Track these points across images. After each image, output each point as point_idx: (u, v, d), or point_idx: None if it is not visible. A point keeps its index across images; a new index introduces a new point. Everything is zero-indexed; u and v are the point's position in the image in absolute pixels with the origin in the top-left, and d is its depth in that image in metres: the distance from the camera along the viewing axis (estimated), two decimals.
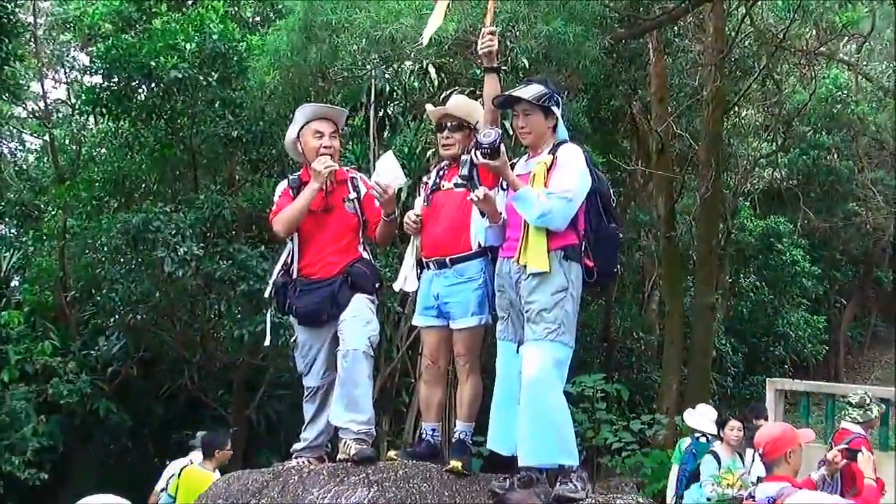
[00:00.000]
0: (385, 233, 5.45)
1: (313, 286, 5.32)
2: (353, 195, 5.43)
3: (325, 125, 5.44)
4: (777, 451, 5.62)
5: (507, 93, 4.97)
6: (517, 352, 4.84)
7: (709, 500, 8.94)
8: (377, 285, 5.42)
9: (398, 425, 13.78)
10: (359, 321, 5.19)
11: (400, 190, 5.40)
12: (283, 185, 5.58)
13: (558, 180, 4.66)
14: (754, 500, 5.73)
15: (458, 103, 5.48)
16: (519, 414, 4.68)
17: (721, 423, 9.95)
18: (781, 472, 5.63)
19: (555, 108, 4.85)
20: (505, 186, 4.93)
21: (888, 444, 11.19)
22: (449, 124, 5.36)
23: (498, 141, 4.62)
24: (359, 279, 5.31)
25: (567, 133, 4.97)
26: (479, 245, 5.11)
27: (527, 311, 4.70)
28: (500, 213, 4.95)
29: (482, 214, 4.98)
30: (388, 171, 5.26)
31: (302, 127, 5.47)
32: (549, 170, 4.72)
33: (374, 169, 5.60)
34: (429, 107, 5.73)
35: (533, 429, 4.60)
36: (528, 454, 4.63)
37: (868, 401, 8.43)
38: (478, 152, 4.66)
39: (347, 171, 5.63)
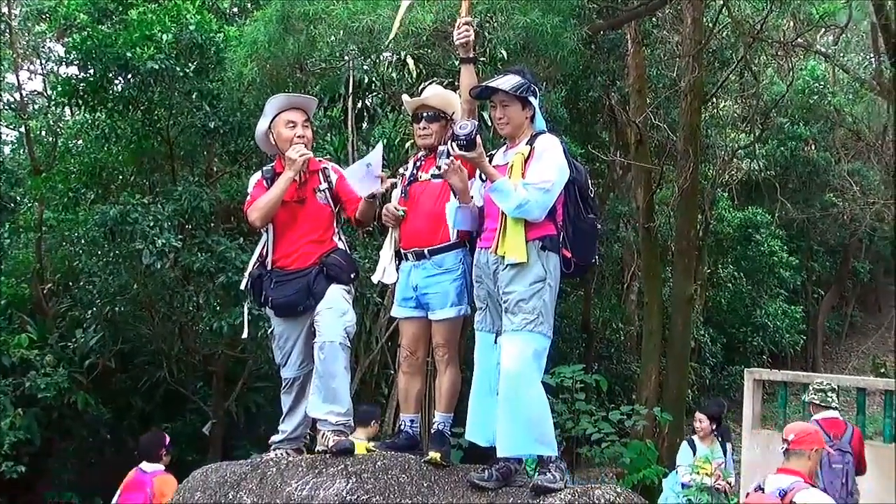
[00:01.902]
0: (366, 212, 5.42)
1: (288, 277, 5.31)
2: (324, 186, 5.43)
3: (297, 114, 5.44)
4: (804, 444, 5.72)
5: (483, 83, 4.97)
6: (495, 342, 4.85)
7: (685, 486, 9.00)
8: (353, 275, 5.41)
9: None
10: (335, 312, 5.18)
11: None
12: (256, 176, 5.57)
13: (536, 171, 4.66)
14: (762, 492, 5.75)
15: (435, 93, 5.48)
16: (497, 405, 4.69)
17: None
18: (796, 467, 5.70)
19: (532, 99, 4.85)
20: (483, 177, 4.93)
21: (864, 433, 11.28)
22: (425, 114, 5.36)
23: (474, 133, 4.61)
24: (334, 270, 5.30)
25: (545, 123, 4.97)
26: (456, 233, 5.12)
27: (505, 302, 4.70)
28: (471, 195, 4.96)
29: (454, 193, 4.97)
30: (377, 163, 5.27)
31: (273, 118, 5.46)
32: (526, 160, 4.73)
33: (353, 161, 5.61)
34: (405, 97, 5.72)
35: (511, 420, 4.60)
36: (507, 445, 4.64)
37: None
38: (454, 144, 4.65)
39: (320, 161, 5.61)
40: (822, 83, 21.37)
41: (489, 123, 6.06)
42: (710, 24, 16.42)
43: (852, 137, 24.34)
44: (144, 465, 7.92)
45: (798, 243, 27.89)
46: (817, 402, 8.56)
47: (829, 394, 8.54)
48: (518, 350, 4.59)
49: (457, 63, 5.53)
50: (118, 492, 7.96)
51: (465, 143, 4.60)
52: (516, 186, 4.58)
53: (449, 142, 4.76)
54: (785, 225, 26.35)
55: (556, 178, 4.65)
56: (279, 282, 5.32)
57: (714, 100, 19.52)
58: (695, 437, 9.69)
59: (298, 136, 5.37)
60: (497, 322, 4.86)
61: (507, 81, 4.82)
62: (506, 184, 4.60)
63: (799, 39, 19.67)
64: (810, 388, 8.89)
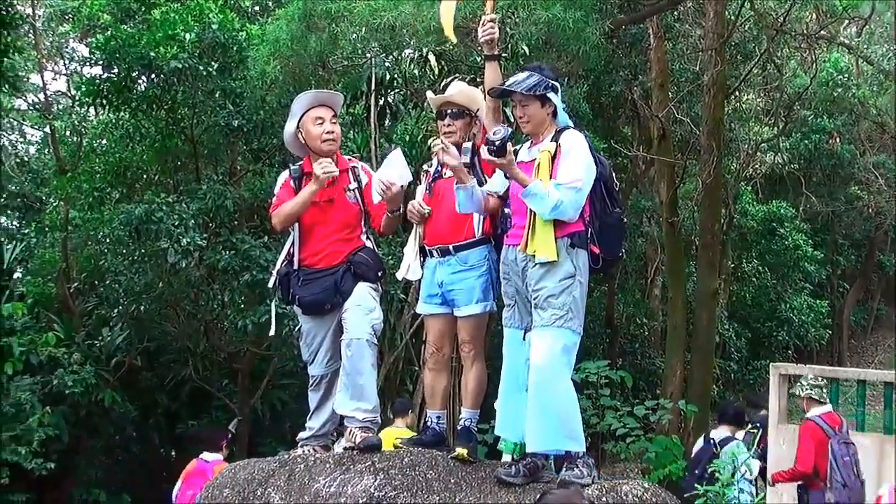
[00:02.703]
0: (389, 225, 5.45)
1: (316, 275, 5.33)
2: (353, 185, 5.44)
3: (324, 111, 5.43)
4: None
5: (500, 85, 4.97)
6: (524, 339, 4.86)
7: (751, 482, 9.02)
8: (380, 274, 5.43)
9: None
10: (362, 310, 5.20)
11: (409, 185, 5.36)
12: (284, 175, 5.58)
13: (565, 170, 4.66)
14: None
15: (459, 90, 5.48)
16: (527, 401, 4.69)
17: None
18: None
19: (551, 96, 4.83)
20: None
21: (891, 428, 11.20)
22: (450, 111, 5.35)
23: (505, 139, 4.60)
24: (361, 268, 5.32)
25: (567, 118, 4.95)
26: (481, 230, 5.14)
27: (534, 298, 4.71)
28: (471, 177, 4.99)
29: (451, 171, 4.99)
30: (395, 169, 5.23)
31: (301, 117, 5.46)
32: (553, 158, 4.72)
33: (375, 158, 5.62)
34: (429, 94, 5.72)
35: (541, 415, 4.61)
36: (535, 441, 4.65)
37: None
38: (486, 148, 4.65)
39: (349, 160, 5.62)
40: (845, 75, 21.20)
41: (512, 120, 6.05)
42: (733, 18, 16.31)
43: (877, 130, 24.15)
44: (205, 455, 8.51)
45: (823, 237, 27.71)
46: (815, 397, 8.59)
47: (816, 390, 8.60)
48: (547, 346, 4.60)
49: (479, 59, 5.53)
50: (180, 480, 8.47)
51: (495, 148, 4.60)
52: (549, 189, 4.59)
53: (484, 145, 4.73)
54: (809, 218, 26.17)
55: (585, 176, 4.66)
56: (306, 280, 5.34)
57: (737, 93, 19.39)
58: (738, 437, 9.64)
59: (327, 132, 5.38)
60: (525, 318, 4.87)
61: (523, 81, 4.81)
62: (538, 187, 4.60)
63: (822, 32, 19.51)
64: (804, 383, 8.90)
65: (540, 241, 4.63)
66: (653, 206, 20.25)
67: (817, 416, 8.37)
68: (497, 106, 5.15)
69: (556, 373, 4.61)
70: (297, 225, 5.40)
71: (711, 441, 9.57)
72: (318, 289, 5.30)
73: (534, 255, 4.66)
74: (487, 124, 5.17)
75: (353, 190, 5.42)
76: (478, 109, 5.30)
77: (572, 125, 4.92)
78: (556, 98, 4.84)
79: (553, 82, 4.85)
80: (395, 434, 8.05)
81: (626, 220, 4.98)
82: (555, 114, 4.88)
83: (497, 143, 4.60)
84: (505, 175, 4.93)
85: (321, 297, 5.30)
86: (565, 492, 4.37)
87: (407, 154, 13.16)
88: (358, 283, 5.27)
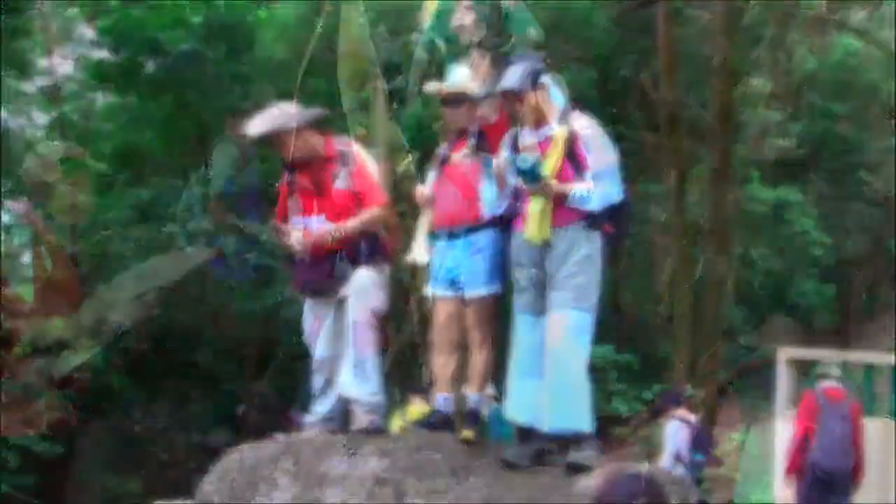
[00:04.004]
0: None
1: (314, 261, 5.36)
2: (343, 171, 5.38)
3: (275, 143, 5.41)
4: None
5: (494, 91, 4.93)
6: (537, 323, 4.84)
7: None
8: (380, 257, 5.42)
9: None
10: (362, 294, 5.24)
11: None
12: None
13: (596, 159, 4.70)
14: None
15: (458, 78, 5.45)
16: (540, 384, 4.70)
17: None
18: None
19: (542, 78, 4.81)
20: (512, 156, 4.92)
21: None
22: (450, 99, 5.35)
23: (536, 166, 4.56)
24: (358, 253, 5.32)
25: (570, 101, 4.93)
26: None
27: (552, 279, 4.71)
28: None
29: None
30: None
31: None
32: (569, 141, 4.69)
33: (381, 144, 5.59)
34: (429, 85, 5.69)
35: (557, 395, 4.61)
36: (550, 420, 4.64)
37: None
38: (520, 178, 4.62)
39: (347, 143, 5.60)
40: (856, 59, 21.10)
41: None
42: (742, 1, 16.25)
43: (887, 114, 24.04)
44: None
45: (831, 222, 27.62)
46: (819, 372, 9.03)
47: (829, 367, 8.94)
48: (564, 326, 4.63)
49: None
50: None
51: (529, 177, 4.56)
52: (587, 187, 4.62)
53: (517, 177, 4.70)
54: (818, 203, 26.07)
55: (612, 155, 4.77)
56: (306, 264, 5.37)
57: (746, 77, 19.32)
58: None
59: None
60: (539, 303, 4.84)
61: (512, 80, 4.77)
62: (579, 191, 4.63)
63: (833, 16, 19.41)
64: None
65: (532, 225, 4.64)
66: (660, 191, 20.19)
67: (819, 388, 8.66)
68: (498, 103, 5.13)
69: (573, 352, 4.64)
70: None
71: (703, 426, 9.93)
72: (314, 274, 5.37)
73: (546, 239, 4.66)
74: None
75: (343, 177, 5.37)
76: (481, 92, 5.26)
77: (569, 103, 4.91)
78: (546, 78, 4.82)
79: (538, 65, 4.82)
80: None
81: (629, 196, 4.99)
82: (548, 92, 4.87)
83: (528, 170, 4.56)
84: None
85: (316, 281, 5.37)
86: (621, 468, 4.28)
87: (415, 139, 13.18)
88: (358, 268, 5.28)
